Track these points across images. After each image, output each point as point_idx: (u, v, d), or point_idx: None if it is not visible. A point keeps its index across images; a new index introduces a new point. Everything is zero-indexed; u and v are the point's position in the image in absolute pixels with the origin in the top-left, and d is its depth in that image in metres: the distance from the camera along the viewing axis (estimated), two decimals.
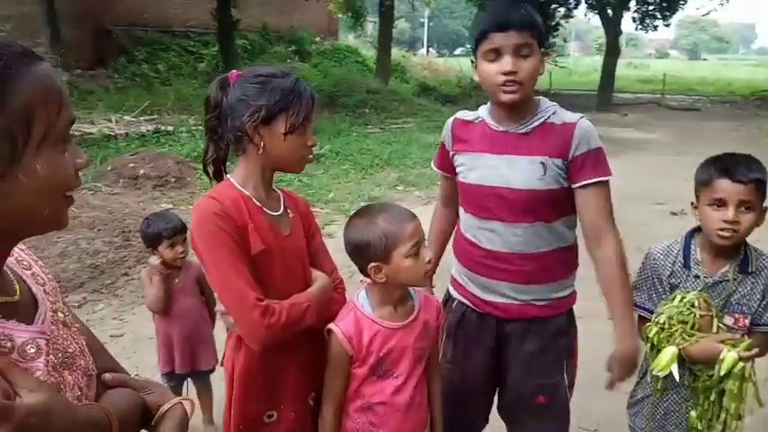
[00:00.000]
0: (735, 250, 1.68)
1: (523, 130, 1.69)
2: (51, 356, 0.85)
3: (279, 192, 1.61)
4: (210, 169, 1.56)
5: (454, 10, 54.43)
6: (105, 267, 4.54)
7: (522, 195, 1.67)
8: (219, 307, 1.55)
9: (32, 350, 0.82)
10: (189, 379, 2.57)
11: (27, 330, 0.83)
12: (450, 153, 1.83)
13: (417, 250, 1.53)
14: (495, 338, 1.81)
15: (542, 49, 1.65)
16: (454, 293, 1.90)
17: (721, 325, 1.63)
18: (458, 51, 53.57)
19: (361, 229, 1.55)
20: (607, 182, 1.67)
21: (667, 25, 22.68)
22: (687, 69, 37.25)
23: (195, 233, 1.44)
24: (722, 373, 1.54)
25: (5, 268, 0.85)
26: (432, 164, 1.98)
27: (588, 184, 1.64)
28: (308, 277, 1.58)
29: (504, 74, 1.59)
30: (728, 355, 1.53)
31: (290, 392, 1.57)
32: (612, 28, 18.82)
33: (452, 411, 1.80)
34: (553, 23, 20.34)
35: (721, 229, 1.61)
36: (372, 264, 1.53)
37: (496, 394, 1.93)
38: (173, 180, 6.57)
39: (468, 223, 1.82)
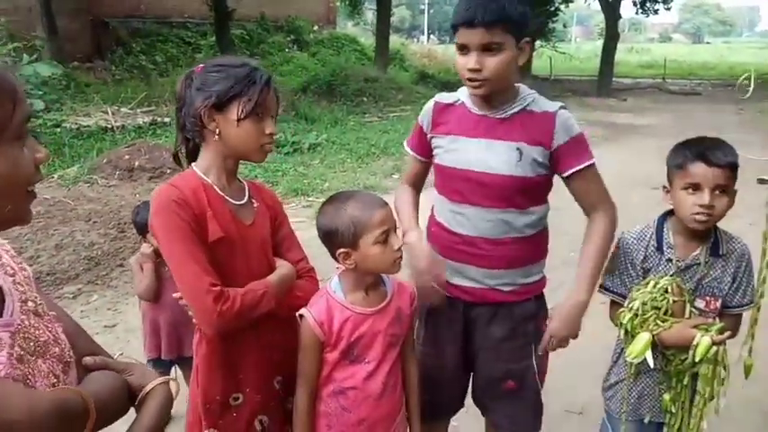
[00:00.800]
0: (706, 234, 1.69)
1: (502, 116, 1.70)
2: (17, 348, 0.87)
3: (244, 182, 1.63)
4: (184, 161, 1.58)
5: None
6: (100, 259, 4.57)
7: (496, 180, 1.68)
8: (177, 294, 1.55)
9: None
10: (175, 365, 2.59)
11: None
12: (428, 135, 1.83)
13: (386, 238, 1.54)
14: (463, 323, 1.83)
15: (524, 40, 1.64)
16: None
17: (693, 309, 1.64)
18: None
19: (331, 215, 1.57)
20: (593, 164, 1.71)
21: (668, 9, 22.52)
22: (690, 53, 37.00)
23: (153, 219, 1.46)
24: (697, 358, 1.56)
25: None
26: (405, 144, 1.96)
27: (576, 172, 1.69)
28: (271, 266, 1.60)
29: (469, 70, 1.61)
30: (703, 340, 1.54)
31: (253, 376, 1.58)
32: (612, 12, 18.67)
33: (427, 394, 1.82)
34: (552, 8, 20.20)
35: (696, 214, 1.61)
36: (341, 250, 1.55)
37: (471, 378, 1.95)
38: (168, 171, 6.56)
39: (440, 207, 1.83)
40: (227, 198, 1.52)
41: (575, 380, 2.80)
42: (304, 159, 8.07)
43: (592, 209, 1.75)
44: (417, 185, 1.99)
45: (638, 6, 21.93)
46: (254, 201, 1.61)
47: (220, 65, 1.50)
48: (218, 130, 1.47)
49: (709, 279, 1.69)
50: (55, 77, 10.61)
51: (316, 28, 19.34)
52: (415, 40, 37.38)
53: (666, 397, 1.70)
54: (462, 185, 1.74)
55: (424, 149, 1.87)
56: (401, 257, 1.58)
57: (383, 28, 17.02)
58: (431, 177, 1.94)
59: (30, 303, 0.93)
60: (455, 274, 1.79)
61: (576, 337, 1.75)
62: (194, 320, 1.50)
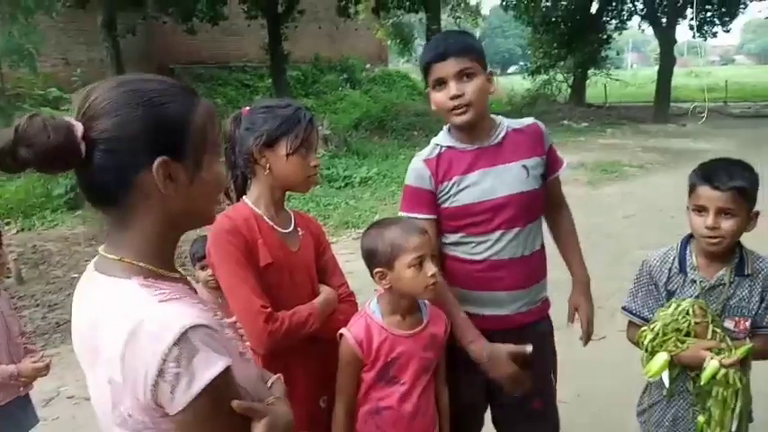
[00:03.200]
0: (730, 254, 1.69)
1: (495, 142, 1.80)
2: (226, 320, 1.08)
3: (290, 212, 1.77)
4: (233, 195, 1.72)
5: (506, 29, 54.35)
6: None
7: (513, 200, 1.77)
8: (231, 319, 1.68)
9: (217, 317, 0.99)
10: None
11: (208, 303, 1.03)
12: (433, 191, 1.80)
13: (420, 263, 1.62)
14: None
15: (488, 71, 1.77)
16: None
17: (718, 330, 1.63)
18: (511, 70, 53.26)
19: (373, 236, 1.69)
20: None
21: (727, 31, 21.87)
22: (754, 75, 35.64)
23: (210, 248, 1.62)
24: (703, 381, 1.55)
25: None
26: (403, 214, 1.83)
27: (557, 176, 1.91)
28: (315, 290, 1.73)
29: (452, 98, 1.70)
30: (711, 363, 1.54)
31: (300, 395, 1.65)
32: (666, 37, 18.32)
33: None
34: (604, 36, 20.03)
35: (704, 236, 1.65)
36: (378, 269, 1.66)
37: (489, 407, 1.97)
38: (221, 206, 6.87)
39: (455, 241, 1.84)
40: (275, 227, 1.66)
41: (620, 410, 2.76)
42: (355, 193, 8.26)
43: (558, 206, 1.99)
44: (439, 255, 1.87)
45: (696, 30, 21.43)
46: (299, 229, 1.74)
47: (267, 106, 1.67)
48: (268, 165, 1.63)
49: (737, 299, 1.68)
50: None
51: (368, 66, 19.84)
52: None
53: (701, 419, 1.68)
54: (482, 217, 1.79)
55: (432, 206, 1.81)
56: (434, 284, 1.64)
57: None
58: None
59: None
60: (481, 304, 1.83)
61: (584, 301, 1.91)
62: (246, 341, 1.62)
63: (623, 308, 1.84)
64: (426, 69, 1.76)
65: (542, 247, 1.89)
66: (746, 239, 1.73)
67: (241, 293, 1.55)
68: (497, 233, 1.78)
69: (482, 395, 1.91)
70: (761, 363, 1.72)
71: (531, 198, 1.79)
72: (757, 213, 1.65)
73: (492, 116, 1.85)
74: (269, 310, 1.54)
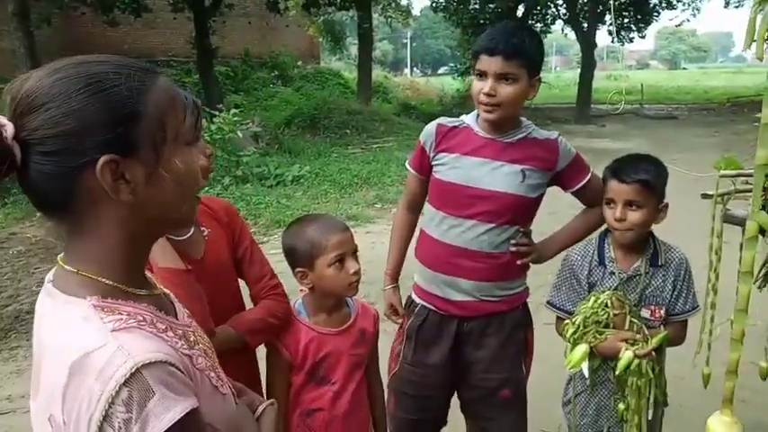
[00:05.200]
0: (644, 245, 1.78)
1: (509, 140, 1.83)
2: (201, 345, 0.90)
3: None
4: None
5: (436, 30, 55.16)
6: None
7: (499, 197, 1.80)
8: None
9: (186, 346, 0.84)
10: None
11: (181, 325, 0.88)
12: (431, 155, 1.92)
13: (342, 261, 1.60)
14: (453, 338, 1.90)
15: (536, 77, 1.77)
16: (417, 299, 2.00)
17: (635, 320, 1.71)
18: (441, 71, 54.11)
19: (292, 234, 1.65)
20: (592, 175, 1.91)
21: (642, 37, 23.10)
22: (666, 79, 37.82)
23: None
24: (617, 371, 1.63)
25: None
26: (407, 164, 2.05)
27: (584, 184, 1.90)
28: (235, 289, 1.61)
29: (484, 94, 1.74)
30: (625, 354, 1.61)
31: None
32: (587, 42, 19.16)
33: (414, 413, 1.89)
34: None
35: (614, 227, 1.74)
36: (298, 269, 1.62)
37: (456, 393, 2.02)
38: None
39: (436, 222, 1.91)
40: (169, 236, 1.40)
41: (549, 401, 2.85)
42: (287, 191, 8.15)
43: (592, 207, 1.96)
44: (417, 206, 2.10)
45: (614, 35, 22.52)
46: (204, 228, 1.54)
47: None
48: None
49: (652, 289, 1.78)
50: None
51: (300, 63, 19.63)
52: (396, 74, 37.96)
53: (621, 406, 1.75)
54: (464, 200, 1.83)
55: (425, 169, 1.96)
56: (357, 281, 1.63)
57: (365, 61, 17.32)
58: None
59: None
60: (448, 288, 1.88)
61: (539, 261, 1.94)
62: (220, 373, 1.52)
63: (548, 302, 1.91)
64: (475, 55, 1.78)
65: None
66: (658, 231, 1.83)
67: None
68: (471, 222, 1.82)
69: (446, 377, 1.94)
70: (675, 348, 1.81)
71: (516, 202, 1.81)
72: (666, 205, 1.75)
73: (521, 119, 1.87)
74: None
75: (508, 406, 1.92)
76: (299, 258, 1.62)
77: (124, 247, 0.80)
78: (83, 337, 0.73)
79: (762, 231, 1.58)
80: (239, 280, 1.67)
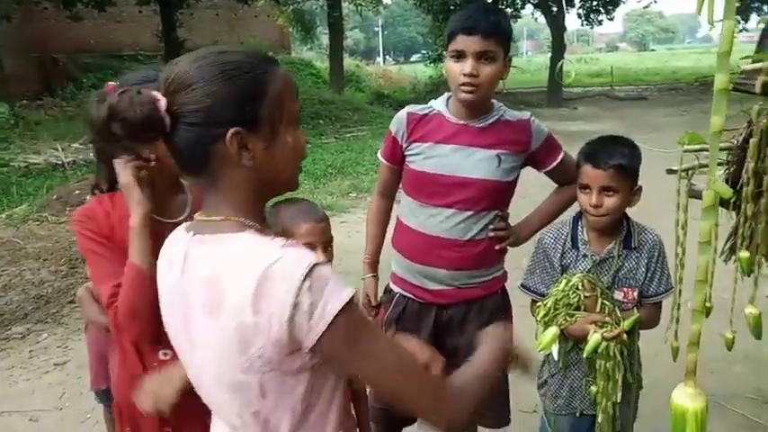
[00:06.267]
0: (618, 227, 1.78)
1: (482, 125, 1.81)
2: None
3: (189, 194, 1.55)
4: (104, 186, 1.51)
5: (407, 17, 54.94)
6: (51, 296, 4.48)
7: (476, 184, 1.78)
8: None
9: None
10: None
11: None
12: (404, 145, 1.89)
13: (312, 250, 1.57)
14: (433, 326, 1.90)
15: (508, 57, 1.75)
16: (394, 288, 1.98)
17: (607, 302, 1.70)
18: (413, 58, 53.99)
19: (269, 217, 1.61)
20: (564, 154, 1.92)
21: (611, 19, 23.32)
22: (636, 61, 38.26)
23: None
24: (585, 354, 1.62)
25: None
26: (378, 154, 2.04)
27: (554, 167, 1.91)
28: None
29: (465, 75, 1.70)
30: (593, 336, 1.60)
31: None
32: (557, 25, 19.26)
33: (387, 403, 1.86)
34: None
35: (590, 213, 1.72)
36: None
37: None
38: None
39: (412, 211, 1.89)
40: (159, 219, 1.44)
41: (527, 382, 2.87)
42: None
43: (567, 185, 1.95)
44: (391, 193, 2.09)
45: (584, 18, 22.67)
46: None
47: (136, 83, 1.35)
48: (154, 157, 1.40)
49: (625, 271, 1.77)
50: (2, 116, 10.44)
51: (270, 54, 19.40)
52: (368, 62, 37.79)
53: (593, 389, 1.75)
54: (440, 189, 1.81)
55: (398, 159, 1.94)
56: None
57: (336, 51, 17.22)
58: None
59: None
60: (424, 277, 1.87)
61: (516, 244, 1.95)
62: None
63: (521, 285, 1.90)
64: (450, 37, 1.73)
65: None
66: (632, 212, 1.83)
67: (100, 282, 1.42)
68: (449, 211, 1.81)
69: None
70: (650, 330, 1.82)
71: (493, 187, 1.80)
72: (640, 188, 1.75)
73: (493, 101, 1.85)
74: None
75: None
76: None
77: (250, 199, 0.99)
78: (261, 255, 0.89)
79: (726, 204, 1.61)
80: None
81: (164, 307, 1.06)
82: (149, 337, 1.43)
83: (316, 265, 0.88)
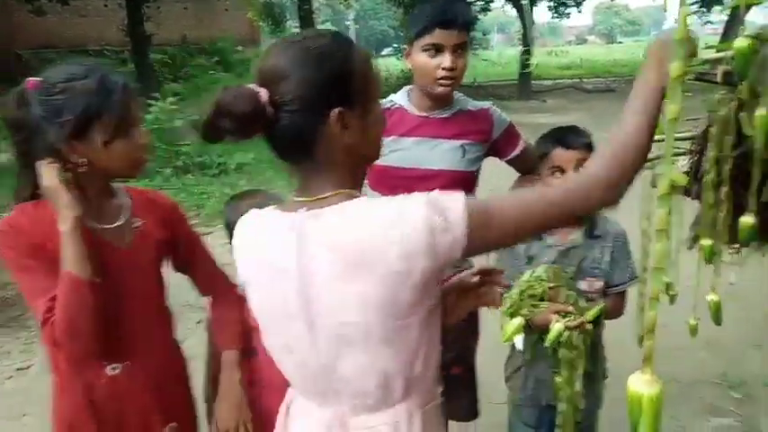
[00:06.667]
0: (582, 216, 1.78)
1: (444, 116, 1.81)
2: None
3: (127, 198, 1.44)
4: (27, 193, 1.34)
5: (378, 11, 54.81)
6: (14, 299, 4.36)
7: (443, 176, 1.78)
8: None
9: None
10: None
11: None
12: None
13: None
14: None
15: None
16: None
17: (570, 293, 1.71)
18: (385, 51, 53.92)
19: (229, 209, 1.65)
20: (525, 143, 1.94)
21: (580, 11, 23.60)
22: (604, 54, 38.76)
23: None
24: (547, 343, 1.63)
25: None
26: None
27: (516, 155, 1.92)
28: (157, 291, 1.49)
29: (445, 69, 1.70)
30: (555, 326, 1.61)
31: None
32: (527, 18, 19.40)
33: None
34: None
35: None
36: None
37: None
38: None
39: None
40: (93, 226, 1.34)
41: (497, 374, 2.89)
42: (231, 180, 7.97)
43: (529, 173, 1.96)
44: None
45: (553, 11, 22.90)
46: (136, 219, 1.42)
47: (59, 81, 1.26)
48: (82, 161, 1.28)
49: (589, 260, 1.78)
50: None
51: (240, 48, 19.16)
52: None
53: (558, 379, 1.76)
54: (407, 182, 1.78)
55: None
56: None
57: None
58: None
59: None
60: None
61: None
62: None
63: None
64: (424, 31, 1.71)
65: None
66: None
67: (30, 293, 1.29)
68: None
69: None
70: (618, 320, 1.83)
71: (459, 178, 1.80)
72: None
73: (453, 92, 1.85)
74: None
75: (459, 382, 1.92)
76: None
77: (351, 174, 1.04)
78: (384, 207, 0.95)
79: (689, 193, 1.62)
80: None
81: (262, 301, 1.05)
82: (92, 353, 1.32)
83: (430, 196, 0.97)
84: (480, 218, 0.95)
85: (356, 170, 1.07)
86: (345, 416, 1.03)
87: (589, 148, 1.73)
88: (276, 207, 1.07)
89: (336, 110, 0.96)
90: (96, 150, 1.28)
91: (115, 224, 1.38)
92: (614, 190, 0.93)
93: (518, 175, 2.03)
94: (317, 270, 0.96)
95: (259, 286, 1.05)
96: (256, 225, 1.08)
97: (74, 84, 1.25)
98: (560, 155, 1.74)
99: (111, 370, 1.37)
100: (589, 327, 1.65)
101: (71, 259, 1.23)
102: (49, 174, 1.26)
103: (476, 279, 1.22)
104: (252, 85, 0.97)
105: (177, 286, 1.62)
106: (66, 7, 13.25)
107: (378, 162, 1.82)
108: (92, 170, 1.30)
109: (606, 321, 1.82)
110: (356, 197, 1.00)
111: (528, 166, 1.94)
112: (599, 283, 1.78)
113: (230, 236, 1.60)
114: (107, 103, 1.26)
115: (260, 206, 1.57)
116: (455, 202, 0.96)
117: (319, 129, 0.97)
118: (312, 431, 1.06)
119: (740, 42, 0.99)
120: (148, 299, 1.46)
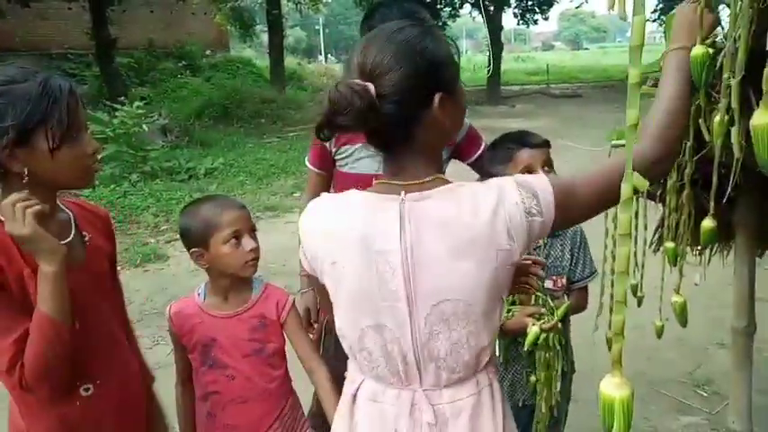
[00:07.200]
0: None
1: None
2: None
3: (68, 212, 1.32)
4: None
5: (347, 16, 54.85)
6: None
7: None
8: None
9: None
10: None
11: None
12: (333, 149, 1.91)
13: (237, 238, 1.57)
14: None
15: None
16: None
17: (540, 294, 1.72)
18: None
19: (186, 215, 1.62)
20: (485, 145, 1.98)
21: (546, 19, 23.99)
22: (570, 60, 39.53)
23: None
24: (525, 347, 1.64)
25: None
26: (306, 162, 2.03)
27: (480, 154, 1.97)
28: (119, 303, 1.47)
29: None
30: (532, 330, 1.62)
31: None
32: (494, 25, 19.66)
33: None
34: (440, 23, 20.97)
35: None
36: (193, 249, 1.59)
37: None
38: None
39: None
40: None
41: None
42: (200, 186, 7.88)
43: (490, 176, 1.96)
44: None
45: (519, 17, 23.25)
46: (85, 233, 1.34)
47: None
48: (25, 170, 1.16)
49: (552, 259, 1.82)
50: None
51: (208, 52, 18.96)
52: (311, 61, 37.57)
53: (533, 379, 1.77)
54: None
55: (328, 164, 1.96)
56: (254, 259, 1.60)
57: (277, 49, 17.00)
58: None
59: None
60: None
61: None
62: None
63: None
64: None
65: None
66: None
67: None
68: None
69: None
70: (587, 315, 1.87)
71: None
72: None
73: None
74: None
75: None
76: (193, 237, 1.58)
77: (439, 155, 1.13)
78: (488, 191, 1.02)
79: (654, 197, 1.67)
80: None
81: (354, 282, 1.05)
82: (63, 384, 1.25)
83: (516, 179, 1.04)
84: (566, 199, 1.02)
85: (441, 152, 1.15)
86: (429, 394, 1.07)
87: (548, 145, 1.78)
88: (365, 190, 1.09)
89: (438, 95, 1.01)
90: (41, 159, 1.17)
91: (66, 240, 1.26)
92: (662, 165, 1.03)
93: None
94: (426, 250, 1.00)
95: (353, 267, 1.04)
96: (340, 208, 1.09)
97: (13, 87, 1.15)
98: (527, 155, 1.75)
99: (84, 391, 1.30)
100: (560, 325, 1.68)
101: (52, 303, 1.14)
102: (25, 219, 1.11)
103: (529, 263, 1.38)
104: (358, 80, 0.99)
105: (142, 293, 1.61)
106: (26, 9, 12.90)
107: (344, 170, 1.85)
108: (36, 181, 1.18)
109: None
110: (450, 182, 1.06)
111: (482, 176, 1.97)
112: (562, 281, 1.82)
113: (187, 244, 1.60)
114: (52, 108, 1.16)
115: (221, 207, 1.59)
116: (544, 184, 1.02)
117: (423, 114, 1.02)
118: (391, 414, 1.07)
119: (696, 51, 1.04)
120: (111, 314, 1.40)
